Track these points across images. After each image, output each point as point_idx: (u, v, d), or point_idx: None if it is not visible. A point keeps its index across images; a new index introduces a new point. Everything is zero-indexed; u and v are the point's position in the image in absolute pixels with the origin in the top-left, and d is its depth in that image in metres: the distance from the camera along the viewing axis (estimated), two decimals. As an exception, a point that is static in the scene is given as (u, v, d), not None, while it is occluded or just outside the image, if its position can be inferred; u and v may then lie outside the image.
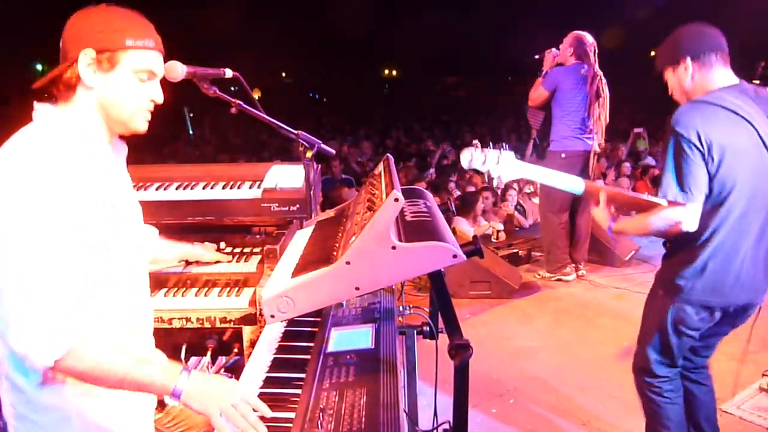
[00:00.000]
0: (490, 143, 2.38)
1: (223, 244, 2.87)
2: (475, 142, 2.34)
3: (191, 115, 15.39)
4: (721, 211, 2.26)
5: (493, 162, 2.29)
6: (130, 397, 1.61)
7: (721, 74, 2.32)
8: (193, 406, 1.47)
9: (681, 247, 2.36)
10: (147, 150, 12.21)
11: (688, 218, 2.21)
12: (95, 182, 1.53)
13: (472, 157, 2.32)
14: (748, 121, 2.21)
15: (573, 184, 2.42)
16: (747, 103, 2.25)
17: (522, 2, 21.69)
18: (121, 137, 1.69)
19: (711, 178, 2.21)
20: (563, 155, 5.30)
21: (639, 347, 2.63)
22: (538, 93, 5.40)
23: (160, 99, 1.61)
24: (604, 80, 5.23)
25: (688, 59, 2.32)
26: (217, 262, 2.62)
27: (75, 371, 1.44)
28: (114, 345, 1.48)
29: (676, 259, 2.39)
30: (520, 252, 6.15)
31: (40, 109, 1.53)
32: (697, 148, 2.18)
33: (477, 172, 2.58)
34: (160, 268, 2.54)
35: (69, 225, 1.42)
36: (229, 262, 2.65)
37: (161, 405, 1.90)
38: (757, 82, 5.92)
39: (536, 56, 5.48)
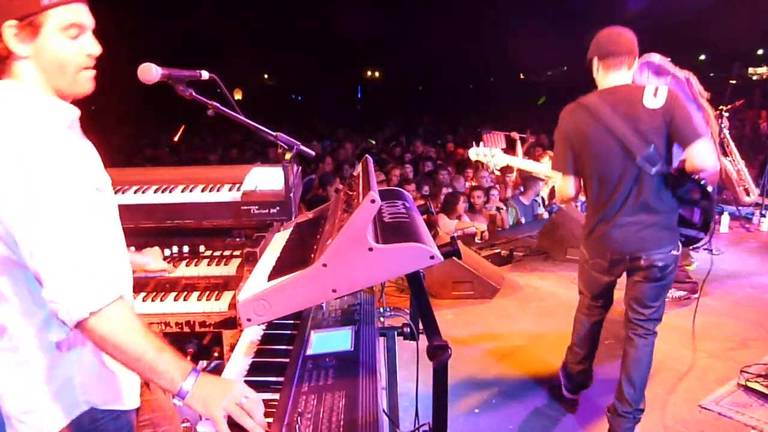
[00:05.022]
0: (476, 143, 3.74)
1: (202, 248, 2.85)
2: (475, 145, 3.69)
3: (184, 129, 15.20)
4: (590, 183, 2.90)
5: (489, 154, 3.53)
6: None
7: (615, 76, 2.85)
8: (196, 408, 1.44)
9: (587, 213, 3.06)
10: (126, 153, 12.14)
11: (566, 186, 2.94)
12: (81, 148, 1.56)
13: (476, 152, 3.60)
14: (596, 115, 2.78)
15: (546, 169, 3.46)
16: (607, 99, 2.80)
17: (506, 7, 21.81)
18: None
19: (576, 158, 2.88)
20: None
21: None
22: None
23: (96, 50, 1.55)
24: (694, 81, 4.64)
25: (596, 59, 2.89)
26: (163, 270, 2.40)
27: (100, 332, 1.40)
28: (142, 322, 1.46)
29: (586, 221, 3.07)
30: (502, 252, 6.17)
31: None
32: (563, 136, 2.90)
33: (479, 164, 3.97)
34: None
35: (84, 187, 1.45)
36: (171, 272, 2.45)
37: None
38: (734, 81, 6.01)
39: None
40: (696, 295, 4.70)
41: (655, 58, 4.83)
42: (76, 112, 1.58)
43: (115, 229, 1.69)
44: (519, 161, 3.93)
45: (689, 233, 2.94)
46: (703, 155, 2.66)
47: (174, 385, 1.44)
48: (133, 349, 1.42)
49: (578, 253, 3.26)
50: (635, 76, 5.03)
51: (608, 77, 2.86)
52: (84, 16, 1.52)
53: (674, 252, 2.87)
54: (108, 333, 1.41)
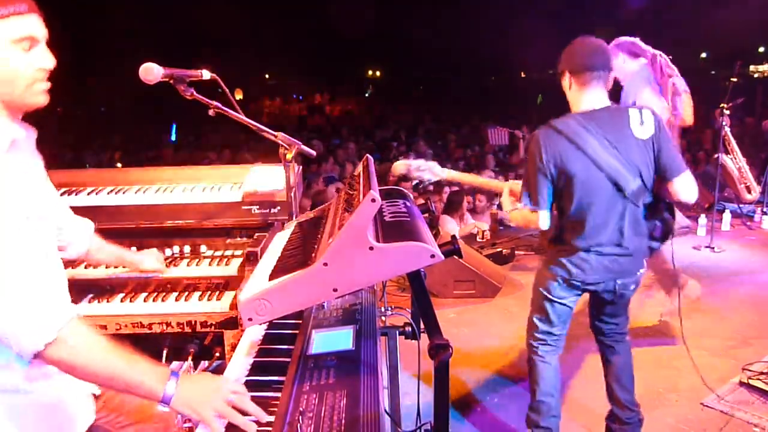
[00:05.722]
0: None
1: (203, 248, 2.86)
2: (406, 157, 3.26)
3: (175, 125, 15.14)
4: (572, 216, 2.68)
5: (423, 166, 3.12)
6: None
7: (591, 96, 2.65)
8: (184, 412, 1.42)
9: (559, 239, 2.81)
10: (127, 152, 12.14)
11: (541, 221, 2.70)
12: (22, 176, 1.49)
13: (406, 164, 3.14)
14: (582, 148, 2.57)
15: (491, 183, 3.46)
16: (590, 127, 2.59)
17: (508, 5, 21.77)
18: (25, 119, 1.56)
19: (555, 192, 2.68)
20: None
21: (529, 315, 3.02)
22: None
23: (49, 64, 1.48)
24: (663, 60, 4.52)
25: (567, 74, 2.69)
26: (156, 271, 2.50)
27: (65, 361, 1.38)
28: (105, 340, 1.44)
29: (554, 247, 2.83)
30: (503, 251, 6.17)
31: None
32: (541, 169, 2.62)
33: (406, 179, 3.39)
34: (92, 272, 2.51)
35: (15, 217, 1.39)
36: (162, 273, 2.56)
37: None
38: (735, 80, 6.00)
39: None
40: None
41: (625, 39, 4.70)
42: (18, 133, 1.50)
43: (53, 257, 1.63)
44: (460, 175, 3.37)
45: (650, 245, 2.87)
46: (689, 188, 2.66)
47: (155, 392, 1.42)
48: (104, 367, 1.40)
49: (540, 277, 2.92)
50: (613, 62, 4.92)
51: (583, 97, 2.66)
52: (37, 28, 1.46)
53: (643, 270, 2.82)
54: (72, 358, 1.39)
